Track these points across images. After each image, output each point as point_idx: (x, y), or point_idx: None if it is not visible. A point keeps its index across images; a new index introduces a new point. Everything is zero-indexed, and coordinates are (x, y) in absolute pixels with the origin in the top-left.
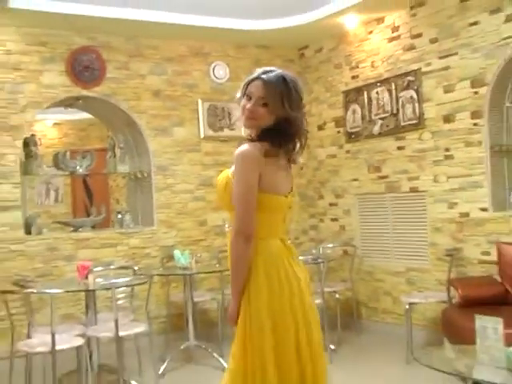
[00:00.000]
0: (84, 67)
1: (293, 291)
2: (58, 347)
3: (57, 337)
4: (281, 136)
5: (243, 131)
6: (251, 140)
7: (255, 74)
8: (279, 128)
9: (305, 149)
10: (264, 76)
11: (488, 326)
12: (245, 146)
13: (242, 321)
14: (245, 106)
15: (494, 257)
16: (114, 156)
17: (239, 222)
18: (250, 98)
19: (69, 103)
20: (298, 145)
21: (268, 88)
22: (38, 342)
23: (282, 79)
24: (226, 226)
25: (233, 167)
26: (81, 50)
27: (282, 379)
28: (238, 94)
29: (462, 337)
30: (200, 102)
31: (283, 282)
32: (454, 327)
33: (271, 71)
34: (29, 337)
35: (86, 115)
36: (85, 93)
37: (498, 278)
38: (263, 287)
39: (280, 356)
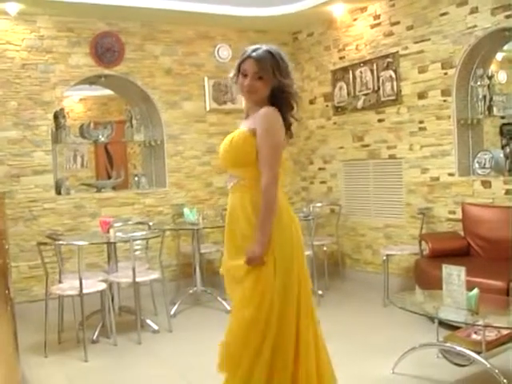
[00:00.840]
0: (105, 49)
1: (298, 236)
2: (84, 291)
3: (84, 282)
4: (279, 102)
5: (243, 104)
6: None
7: (246, 54)
8: (275, 96)
9: (298, 111)
10: (254, 54)
11: (453, 274)
12: (270, 109)
13: (272, 265)
14: (243, 83)
15: (459, 215)
16: (131, 126)
17: (273, 172)
18: (245, 75)
19: (92, 81)
20: (294, 105)
21: (260, 63)
22: (68, 286)
23: (269, 53)
24: (233, 181)
25: (246, 126)
26: (103, 34)
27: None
28: (231, 74)
29: (431, 283)
30: (206, 79)
31: (293, 229)
32: (424, 275)
33: (258, 48)
34: (60, 282)
35: (107, 91)
36: (106, 72)
37: (462, 234)
38: (284, 233)
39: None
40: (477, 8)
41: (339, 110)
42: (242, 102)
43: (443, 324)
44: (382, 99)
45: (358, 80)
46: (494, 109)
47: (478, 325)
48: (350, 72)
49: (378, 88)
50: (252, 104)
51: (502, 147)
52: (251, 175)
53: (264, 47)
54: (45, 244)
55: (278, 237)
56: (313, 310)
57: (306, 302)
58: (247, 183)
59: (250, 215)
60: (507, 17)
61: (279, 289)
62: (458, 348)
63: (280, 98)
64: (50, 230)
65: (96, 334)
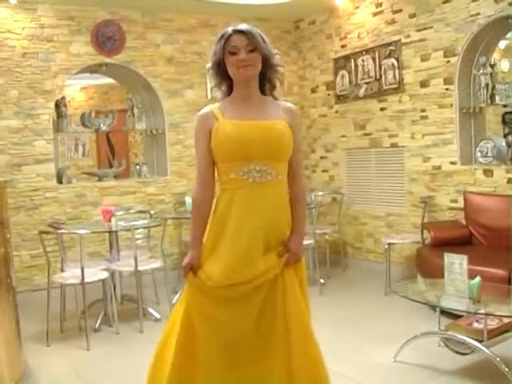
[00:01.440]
0: (107, 38)
1: None
2: (86, 280)
3: (85, 271)
4: (267, 77)
5: (238, 87)
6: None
7: (228, 33)
8: (263, 71)
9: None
10: (240, 28)
11: (455, 262)
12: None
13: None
14: (236, 60)
15: (460, 204)
16: (133, 115)
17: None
18: (235, 53)
19: (94, 69)
20: (277, 83)
21: (250, 34)
22: (70, 275)
23: (251, 27)
24: (265, 174)
25: (282, 118)
26: (104, 22)
27: None
28: (209, 64)
29: (433, 272)
30: (207, 67)
31: None
32: (426, 264)
33: (238, 25)
34: (62, 271)
35: (108, 80)
36: (107, 60)
37: (464, 222)
38: None
39: None
40: None
41: (341, 98)
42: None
43: (445, 312)
44: (384, 88)
45: (360, 68)
46: (497, 97)
47: (479, 313)
48: (352, 60)
49: (380, 76)
50: (250, 82)
51: (504, 136)
52: (285, 171)
53: (242, 24)
54: (46, 233)
55: None
56: None
57: None
58: (284, 179)
59: (287, 212)
60: (511, 4)
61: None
62: (460, 336)
63: (269, 74)
64: (51, 218)
65: (98, 322)
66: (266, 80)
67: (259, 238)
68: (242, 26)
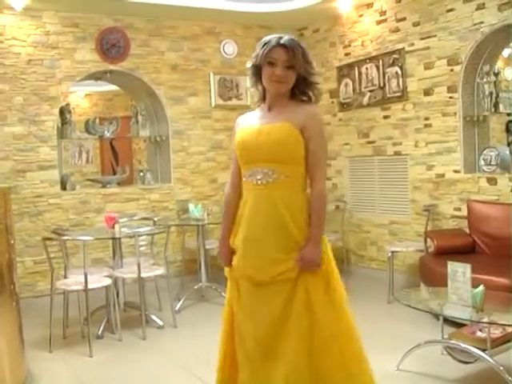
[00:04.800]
0: (111, 45)
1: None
2: (89, 286)
3: (89, 277)
4: (301, 92)
5: (249, 100)
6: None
7: (273, 42)
8: (298, 86)
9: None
10: (283, 41)
11: (458, 271)
12: (316, 107)
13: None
14: (272, 72)
15: (464, 212)
16: (137, 122)
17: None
18: (273, 64)
19: (98, 76)
20: (313, 98)
21: (291, 51)
22: (73, 281)
23: (296, 42)
24: (266, 175)
25: (291, 121)
26: (108, 30)
27: None
28: (249, 64)
29: (436, 280)
30: (211, 74)
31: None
32: (429, 272)
33: (282, 37)
34: (65, 277)
35: (112, 87)
36: (112, 67)
37: (467, 231)
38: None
39: None
40: (483, 4)
41: (345, 106)
42: (247, 97)
43: (448, 321)
44: (388, 96)
45: (364, 76)
46: (501, 106)
47: (483, 322)
48: (356, 68)
49: (384, 84)
50: (278, 95)
51: (508, 144)
52: (297, 173)
53: (287, 35)
54: (50, 239)
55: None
56: None
57: None
58: (290, 181)
59: (297, 212)
60: None
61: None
62: (463, 345)
63: (304, 89)
64: (55, 225)
65: (101, 329)
66: (300, 93)
67: (264, 238)
68: (286, 40)
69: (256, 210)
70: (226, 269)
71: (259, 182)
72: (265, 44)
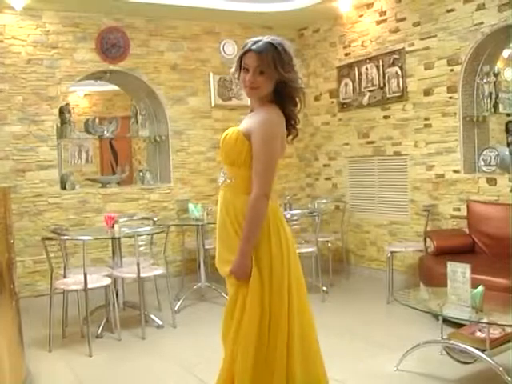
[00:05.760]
0: (111, 45)
1: (287, 238)
2: (89, 286)
3: (88, 277)
4: (281, 97)
5: (249, 100)
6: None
7: (246, 47)
8: (278, 91)
9: (303, 108)
10: (254, 47)
11: (457, 271)
12: (271, 114)
13: (259, 275)
14: (244, 78)
15: (463, 212)
16: (137, 122)
17: (266, 186)
18: (247, 70)
19: (98, 76)
20: (298, 103)
21: (260, 57)
22: (73, 281)
23: (271, 45)
24: (223, 178)
25: (242, 125)
26: (108, 29)
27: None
28: (233, 69)
29: (435, 280)
30: (211, 74)
31: (284, 240)
32: (428, 272)
33: (259, 41)
34: (65, 277)
35: (112, 87)
36: (112, 67)
37: (467, 231)
38: (276, 245)
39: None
40: (484, 4)
41: (344, 106)
42: (247, 98)
43: (447, 321)
44: (388, 96)
45: (364, 76)
46: (500, 106)
47: (482, 322)
48: (356, 68)
49: (384, 84)
50: (255, 100)
51: (508, 145)
52: (240, 176)
53: (265, 39)
54: (50, 239)
55: (266, 244)
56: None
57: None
58: (234, 183)
59: (233, 219)
60: None
61: (271, 299)
62: (462, 345)
63: (283, 94)
64: (54, 224)
65: (100, 328)
66: (284, 97)
67: (218, 236)
68: (258, 45)
69: (220, 212)
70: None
71: (221, 183)
72: (242, 48)
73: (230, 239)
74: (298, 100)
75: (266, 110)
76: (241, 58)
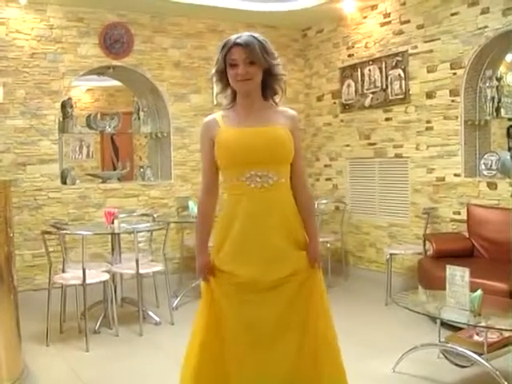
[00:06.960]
0: (114, 40)
1: None
2: (87, 281)
3: (87, 272)
4: (269, 86)
5: (238, 97)
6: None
7: (230, 43)
8: (265, 81)
9: (283, 95)
10: (239, 40)
11: (456, 275)
12: (289, 109)
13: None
14: (235, 73)
15: (463, 216)
16: (138, 118)
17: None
18: (235, 66)
19: (101, 72)
20: (279, 90)
21: (249, 48)
22: (71, 275)
23: (253, 37)
24: (260, 180)
25: (282, 123)
26: (112, 25)
27: None
28: (213, 70)
29: (434, 283)
30: (211, 74)
31: None
32: (427, 275)
33: (241, 36)
34: (63, 271)
35: (114, 82)
36: (115, 63)
37: (467, 235)
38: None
39: None
40: (488, 8)
41: (347, 107)
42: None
43: (445, 324)
44: (390, 98)
45: (367, 78)
46: (502, 110)
47: (480, 326)
48: (359, 70)
49: (386, 86)
50: (249, 94)
51: (509, 149)
52: (287, 173)
53: (246, 33)
54: (49, 233)
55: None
56: None
57: None
58: (287, 182)
59: (295, 212)
60: None
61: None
62: (460, 349)
63: (271, 82)
64: (54, 219)
65: (98, 324)
66: (268, 88)
67: (273, 239)
68: (243, 38)
69: (258, 215)
70: (212, 277)
71: (259, 185)
72: (223, 47)
73: (296, 233)
74: (279, 88)
75: (290, 110)
76: (225, 55)
